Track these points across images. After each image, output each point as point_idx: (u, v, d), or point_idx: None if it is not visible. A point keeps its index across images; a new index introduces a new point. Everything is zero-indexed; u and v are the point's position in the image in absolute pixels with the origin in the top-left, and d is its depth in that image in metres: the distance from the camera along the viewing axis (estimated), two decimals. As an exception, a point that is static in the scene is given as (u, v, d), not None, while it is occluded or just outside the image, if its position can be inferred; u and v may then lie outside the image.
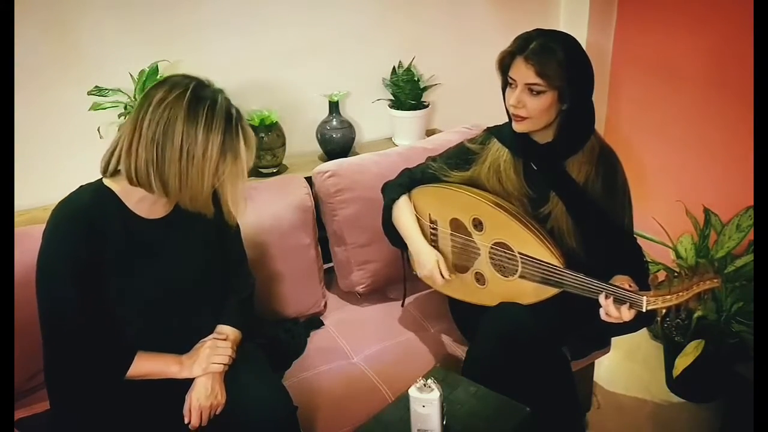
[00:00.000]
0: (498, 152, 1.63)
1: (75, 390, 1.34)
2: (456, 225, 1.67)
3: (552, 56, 1.43)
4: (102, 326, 1.30)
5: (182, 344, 1.41)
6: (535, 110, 1.48)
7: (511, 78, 1.50)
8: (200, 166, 1.24)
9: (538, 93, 1.46)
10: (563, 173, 1.55)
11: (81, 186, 1.34)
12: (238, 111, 1.30)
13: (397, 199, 1.76)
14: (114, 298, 1.31)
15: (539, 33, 1.48)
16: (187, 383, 1.37)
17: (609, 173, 1.56)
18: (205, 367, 1.36)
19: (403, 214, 1.74)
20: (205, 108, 1.23)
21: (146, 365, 1.34)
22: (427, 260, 1.66)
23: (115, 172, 1.30)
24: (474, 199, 1.60)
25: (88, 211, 1.28)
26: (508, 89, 1.53)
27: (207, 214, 1.35)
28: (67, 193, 1.34)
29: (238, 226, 1.56)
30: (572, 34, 1.51)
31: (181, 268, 1.38)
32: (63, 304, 1.26)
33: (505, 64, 1.51)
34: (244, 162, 1.31)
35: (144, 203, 1.33)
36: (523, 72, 1.46)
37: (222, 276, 1.47)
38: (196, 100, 1.23)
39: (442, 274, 1.64)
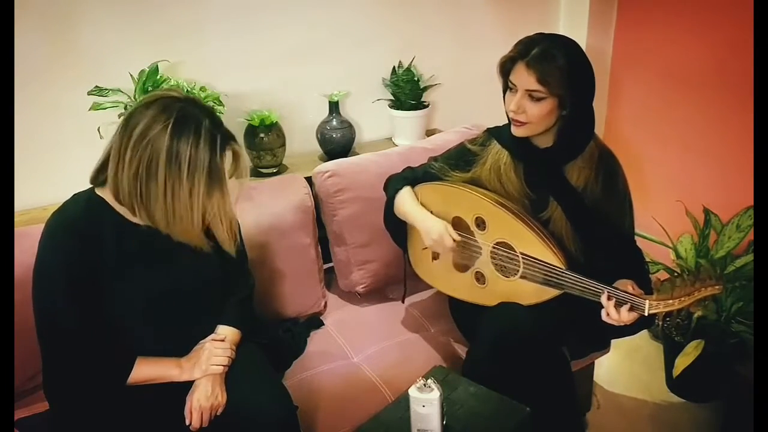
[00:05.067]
0: (498, 154, 1.62)
1: (74, 397, 1.33)
2: (458, 223, 1.67)
3: (553, 63, 1.42)
4: (100, 334, 1.30)
5: (183, 346, 1.41)
6: (535, 116, 1.47)
7: (511, 83, 1.49)
8: (187, 204, 1.23)
9: (539, 99, 1.45)
10: (562, 179, 1.55)
11: (74, 195, 1.34)
12: (224, 135, 1.27)
13: (401, 189, 1.75)
14: (112, 306, 1.31)
15: (542, 38, 1.47)
16: (187, 385, 1.37)
17: (609, 177, 1.55)
18: (204, 369, 1.36)
19: (406, 198, 1.72)
20: (189, 146, 1.20)
21: (146, 371, 1.34)
22: (434, 226, 1.63)
23: (106, 181, 1.29)
24: (477, 197, 1.60)
25: (81, 222, 1.27)
26: (508, 93, 1.52)
27: (202, 247, 1.34)
28: (67, 194, 1.34)
29: (237, 223, 1.56)
30: (572, 36, 1.51)
31: (179, 273, 1.37)
32: (59, 314, 1.26)
33: (506, 68, 1.50)
34: (233, 195, 1.30)
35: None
36: (524, 78, 1.45)
37: (221, 277, 1.47)
38: (177, 137, 1.19)
39: (453, 239, 1.61)
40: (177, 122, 1.20)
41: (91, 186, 1.34)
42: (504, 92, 1.55)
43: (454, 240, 1.61)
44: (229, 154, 1.28)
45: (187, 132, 1.21)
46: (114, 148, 1.24)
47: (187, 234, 1.29)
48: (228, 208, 1.31)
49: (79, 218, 1.28)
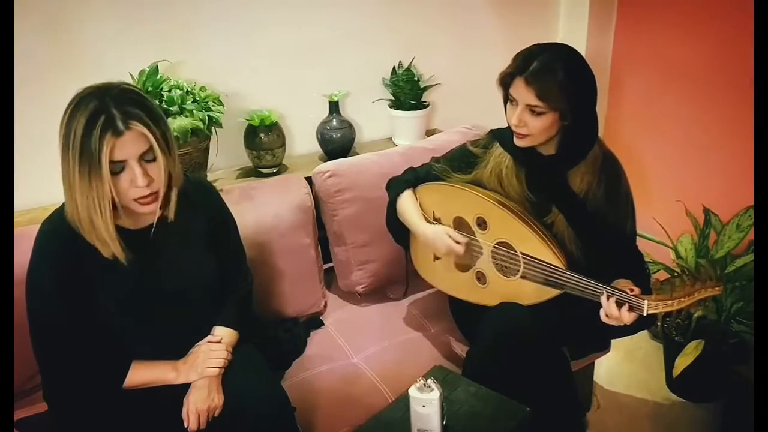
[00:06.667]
0: (500, 157, 1.62)
1: (72, 402, 1.33)
2: (459, 223, 1.67)
3: (553, 78, 1.41)
4: (94, 339, 1.30)
5: (181, 347, 1.41)
6: (537, 128, 1.47)
7: (512, 96, 1.49)
8: (80, 194, 1.19)
9: (540, 113, 1.45)
10: (564, 186, 1.55)
11: (65, 201, 1.33)
12: (126, 113, 1.16)
13: (402, 193, 1.76)
14: (106, 310, 1.30)
15: (540, 50, 1.46)
16: (185, 386, 1.37)
17: (612, 181, 1.55)
18: (201, 371, 1.36)
19: (407, 204, 1.74)
20: (72, 127, 1.18)
21: (142, 375, 1.34)
22: (438, 239, 1.63)
23: None
24: (478, 197, 1.60)
25: (64, 228, 1.27)
26: (509, 105, 1.52)
27: (118, 257, 1.26)
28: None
29: (234, 222, 1.55)
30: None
31: (172, 274, 1.36)
32: (51, 319, 1.27)
33: (505, 82, 1.50)
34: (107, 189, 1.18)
35: (127, 214, 1.29)
36: (523, 93, 1.45)
37: (218, 276, 1.46)
38: (68, 122, 1.20)
39: (458, 242, 1.62)
40: (73, 108, 1.19)
41: None
42: (505, 104, 1.55)
43: (460, 242, 1.61)
44: (129, 135, 1.17)
45: (77, 114, 1.18)
46: None
47: (94, 235, 1.23)
48: (102, 199, 1.19)
49: (63, 224, 1.27)
